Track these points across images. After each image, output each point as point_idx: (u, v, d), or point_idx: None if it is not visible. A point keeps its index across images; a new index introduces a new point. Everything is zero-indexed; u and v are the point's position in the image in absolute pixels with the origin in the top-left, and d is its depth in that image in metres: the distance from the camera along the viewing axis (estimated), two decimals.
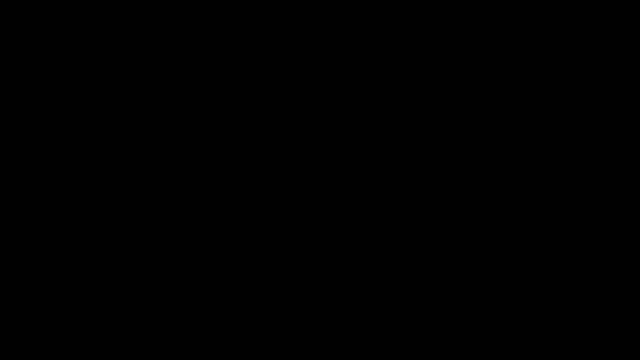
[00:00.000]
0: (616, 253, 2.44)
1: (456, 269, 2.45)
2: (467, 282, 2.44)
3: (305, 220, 2.47)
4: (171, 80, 2.50)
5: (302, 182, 2.47)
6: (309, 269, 2.46)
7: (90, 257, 2.45)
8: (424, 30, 2.49)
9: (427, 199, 2.47)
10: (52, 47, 2.49)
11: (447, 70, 2.49)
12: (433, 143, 2.48)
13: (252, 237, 2.47)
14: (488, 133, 2.48)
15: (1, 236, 2.45)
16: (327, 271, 2.46)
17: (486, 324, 2.43)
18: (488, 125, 2.48)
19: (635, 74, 2.46)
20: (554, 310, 2.42)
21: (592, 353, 2.40)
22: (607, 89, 2.47)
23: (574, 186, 2.46)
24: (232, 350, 2.44)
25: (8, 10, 2.48)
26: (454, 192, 2.47)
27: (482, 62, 2.48)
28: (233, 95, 2.50)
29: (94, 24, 2.49)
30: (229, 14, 2.50)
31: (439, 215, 2.46)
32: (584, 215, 2.45)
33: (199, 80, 2.50)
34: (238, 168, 2.48)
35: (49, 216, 2.46)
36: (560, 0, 2.48)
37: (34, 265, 2.44)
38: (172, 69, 2.50)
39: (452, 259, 2.45)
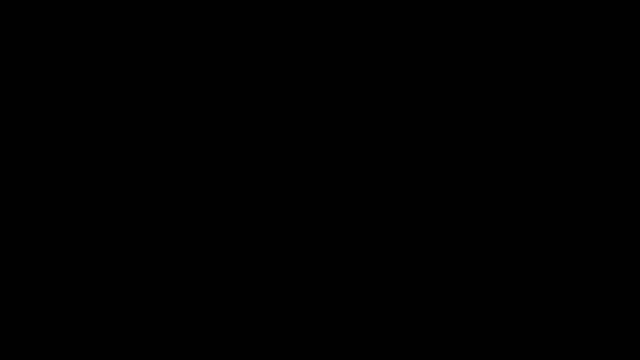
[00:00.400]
0: (616, 253, 2.44)
1: (456, 269, 2.45)
2: (467, 282, 2.45)
3: (305, 220, 2.47)
4: (171, 81, 2.50)
5: (302, 182, 2.48)
6: (309, 269, 2.46)
7: (91, 257, 2.45)
8: (424, 30, 2.49)
9: (427, 199, 2.47)
10: (52, 47, 2.49)
11: (448, 70, 2.49)
12: (433, 143, 2.48)
13: (252, 237, 2.47)
14: (488, 133, 2.48)
15: (1, 236, 2.45)
16: (328, 271, 2.46)
17: (486, 324, 2.43)
18: (488, 125, 2.48)
19: (635, 74, 2.47)
20: (554, 310, 2.43)
21: (592, 353, 2.41)
22: (607, 89, 2.47)
23: (574, 186, 2.46)
24: (232, 351, 2.44)
25: (8, 10, 2.48)
26: (454, 192, 2.47)
27: (482, 62, 2.49)
28: (233, 95, 2.50)
29: (94, 24, 2.50)
30: (229, 14, 2.50)
31: (439, 215, 2.46)
32: (584, 215, 2.45)
33: (199, 81, 2.50)
34: (238, 168, 2.48)
35: (49, 216, 2.46)
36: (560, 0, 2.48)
37: (34, 265, 2.44)
38: (172, 69, 2.50)
39: (452, 259, 2.45)
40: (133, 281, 2.45)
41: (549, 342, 2.42)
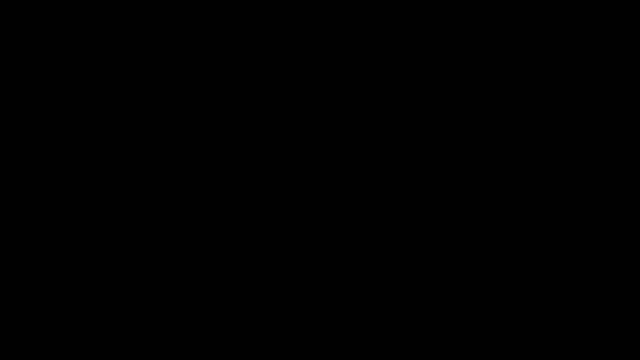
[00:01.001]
0: (616, 253, 2.44)
1: (456, 269, 2.45)
2: (467, 282, 2.45)
3: (305, 220, 2.47)
4: (171, 81, 2.50)
5: (302, 182, 2.48)
6: (309, 269, 2.46)
7: (91, 257, 2.45)
8: (424, 30, 2.50)
9: (427, 199, 2.47)
10: (52, 47, 2.49)
11: (448, 70, 2.49)
12: (433, 143, 2.48)
13: (252, 237, 2.47)
14: (488, 133, 2.48)
15: (1, 236, 2.45)
16: (328, 271, 2.46)
17: (486, 324, 2.43)
18: (488, 125, 2.48)
19: (635, 74, 2.47)
20: (554, 310, 2.43)
21: (592, 353, 2.41)
22: (607, 89, 2.47)
23: (574, 186, 2.46)
24: (232, 351, 2.44)
25: (8, 10, 2.48)
26: (454, 193, 2.47)
27: (482, 62, 2.49)
28: (233, 95, 2.50)
29: (94, 24, 2.50)
30: (229, 14, 2.50)
31: (439, 215, 2.47)
32: (584, 216, 2.45)
33: (199, 80, 2.50)
34: (238, 168, 2.48)
35: (49, 216, 2.46)
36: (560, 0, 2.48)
37: (34, 265, 2.44)
38: (172, 69, 2.50)
39: (452, 259, 2.46)
40: (133, 281, 2.45)
41: (549, 342, 2.42)
